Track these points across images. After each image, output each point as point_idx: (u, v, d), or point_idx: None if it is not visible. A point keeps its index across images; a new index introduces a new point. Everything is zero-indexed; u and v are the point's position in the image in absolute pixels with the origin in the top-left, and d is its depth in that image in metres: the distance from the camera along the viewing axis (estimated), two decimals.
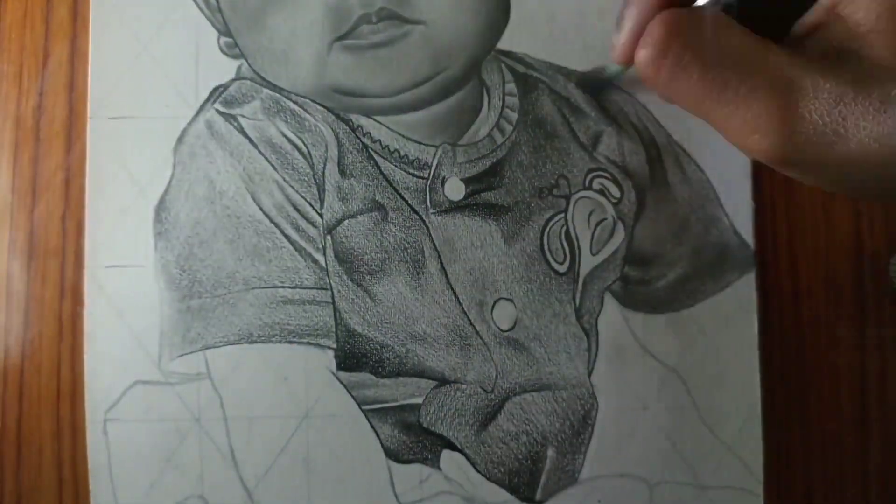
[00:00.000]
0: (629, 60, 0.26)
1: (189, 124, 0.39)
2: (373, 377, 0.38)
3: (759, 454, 0.38)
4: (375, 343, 0.38)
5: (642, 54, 0.24)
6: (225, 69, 0.39)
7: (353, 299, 0.38)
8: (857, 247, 0.40)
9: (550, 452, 0.38)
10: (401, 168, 0.39)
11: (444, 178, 0.39)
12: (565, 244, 0.39)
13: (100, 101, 0.39)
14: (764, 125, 0.22)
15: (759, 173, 0.39)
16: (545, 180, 0.39)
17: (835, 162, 0.22)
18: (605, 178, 0.39)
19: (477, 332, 0.38)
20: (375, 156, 0.39)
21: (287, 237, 0.38)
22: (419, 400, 0.38)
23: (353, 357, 0.38)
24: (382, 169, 0.39)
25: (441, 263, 0.38)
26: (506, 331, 0.38)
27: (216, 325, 0.38)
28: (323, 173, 0.39)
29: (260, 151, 0.39)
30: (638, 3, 0.25)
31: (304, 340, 0.38)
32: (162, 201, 0.38)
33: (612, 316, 0.39)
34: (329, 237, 0.38)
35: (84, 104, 0.39)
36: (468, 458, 0.38)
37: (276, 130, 0.39)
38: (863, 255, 0.40)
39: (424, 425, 0.38)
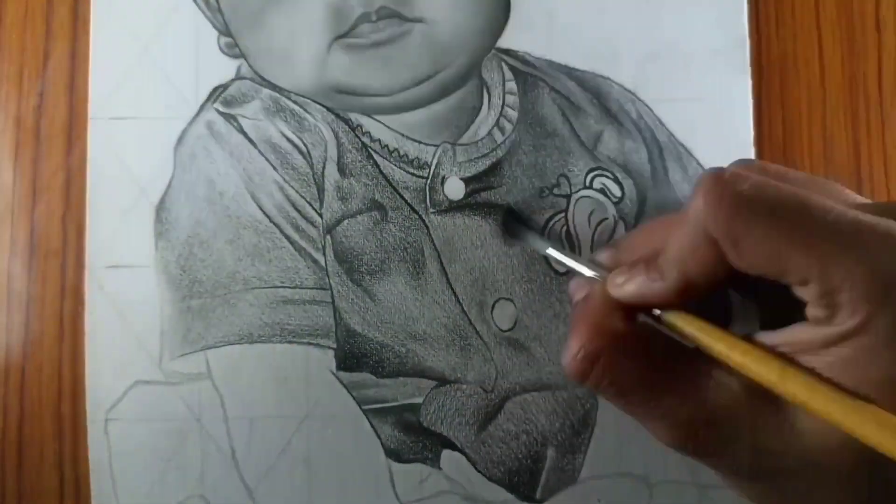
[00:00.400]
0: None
1: (189, 124, 0.39)
2: (373, 377, 0.38)
3: None
4: (375, 343, 0.38)
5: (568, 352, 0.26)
6: (225, 69, 0.39)
7: (352, 299, 0.38)
8: None
9: (550, 452, 0.38)
10: (400, 167, 0.39)
11: (443, 177, 0.39)
12: (566, 244, 0.39)
13: (100, 101, 0.39)
14: (677, 427, 0.25)
15: None
16: (546, 179, 0.39)
17: (734, 458, 0.24)
18: (606, 177, 0.39)
19: (477, 332, 0.38)
20: (375, 155, 0.39)
21: (287, 237, 0.38)
22: (419, 400, 0.38)
23: (353, 357, 0.38)
24: (382, 168, 0.39)
25: (441, 263, 0.38)
26: (506, 331, 0.38)
27: (217, 325, 0.38)
28: (322, 173, 0.38)
29: (260, 151, 0.39)
30: (584, 326, 0.26)
31: (305, 340, 0.38)
32: (162, 201, 0.38)
33: None
34: (329, 237, 0.38)
35: (84, 105, 0.39)
36: (468, 458, 0.37)
37: (275, 130, 0.39)
38: None
39: (425, 425, 0.38)
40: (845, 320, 0.22)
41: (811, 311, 0.23)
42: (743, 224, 0.22)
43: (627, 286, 0.26)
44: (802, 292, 0.23)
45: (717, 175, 0.23)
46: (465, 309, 0.38)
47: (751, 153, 0.39)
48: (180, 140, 0.39)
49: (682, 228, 0.24)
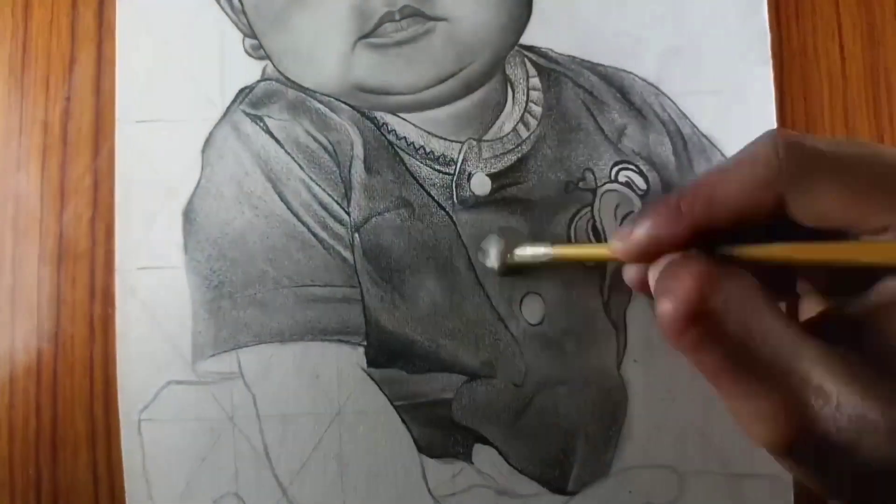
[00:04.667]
0: (634, 258, 0.26)
1: (216, 126, 0.39)
2: (404, 373, 0.38)
3: None
4: (406, 340, 0.38)
5: (667, 309, 0.23)
6: (250, 71, 0.40)
7: (382, 296, 0.38)
8: None
9: (581, 445, 0.38)
10: (426, 164, 0.39)
11: (469, 173, 0.39)
12: (592, 238, 0.39)
13: (127, 104, 0.40)
14: (776, 422, 0.21)
15: None
16: (571, 174, 0.39)
17: (837, 474, 0.21)
18: (632, 170, 0.39)
19: (506, 327, 0.38)
20: (401, 153, 0.39)
21: (315, 236, 0.38)
22: (450, 395, 0.38)
23: (383, 354, 0.38)
24: (408, 166, 0.39)
25: (469, 259, 0.38)
26: (535, 325, 0.38)
27: (247, 324, 0.38)
28: (349, 171, 0.39)
29: (286, 151, 0.39)
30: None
31: (335, 338, 0.38)
32: (191, 203, 0.39)
33: (640, 309, 0.39)
34: (357, 235, 0.38)
35: (111, 108, 0.40)
36: (500, 452, 0.38)
37: (302, 130, 0.39)
38: None
39: (456, 420, 0.38)
40: None
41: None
42: (821, 177, 0.23)
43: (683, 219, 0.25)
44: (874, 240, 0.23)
45: (789, 133, 0.24)
46: (494, 304, 0.38)
47: None
48: (207, 142, 0.39)
49: (738, 174, 0.25)
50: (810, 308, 0.29)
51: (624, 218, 0.39)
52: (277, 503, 0.37)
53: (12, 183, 0.40)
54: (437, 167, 0.39)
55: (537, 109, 0.40)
